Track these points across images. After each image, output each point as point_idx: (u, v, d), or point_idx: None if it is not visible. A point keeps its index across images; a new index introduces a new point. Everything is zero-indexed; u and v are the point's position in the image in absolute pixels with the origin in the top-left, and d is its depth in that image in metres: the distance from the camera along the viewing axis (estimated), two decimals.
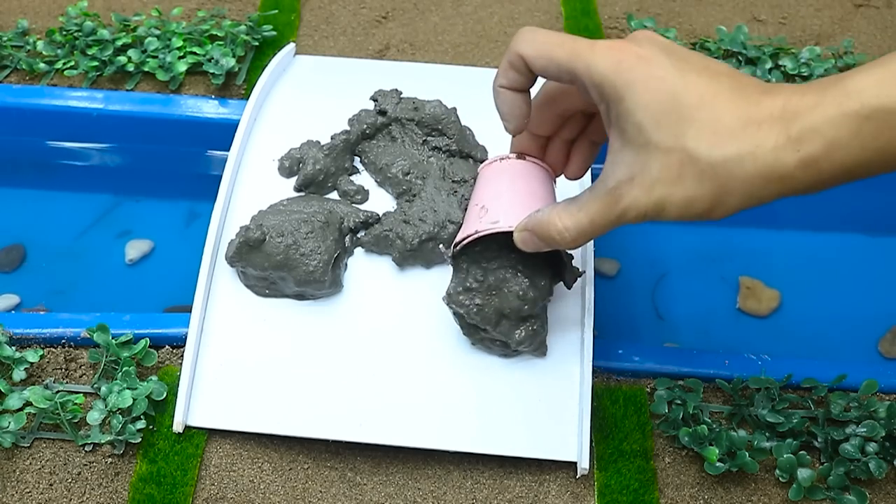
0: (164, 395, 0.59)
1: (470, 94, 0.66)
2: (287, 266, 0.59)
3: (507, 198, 0.51)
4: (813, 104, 0.36)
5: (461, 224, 0.61)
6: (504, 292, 0.55)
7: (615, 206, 0.41)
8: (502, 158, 0.53)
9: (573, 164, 0.53)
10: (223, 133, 0.72)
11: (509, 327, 0.56)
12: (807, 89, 0.37)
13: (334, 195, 0.66)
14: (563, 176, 0.54)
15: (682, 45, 0.41)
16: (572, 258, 0.55)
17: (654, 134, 0.39)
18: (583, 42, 0.41)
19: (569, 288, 0.57)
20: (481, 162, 0.67)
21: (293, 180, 0.66)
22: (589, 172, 0.61)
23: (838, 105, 0.36)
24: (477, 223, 0.51)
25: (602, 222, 0.42)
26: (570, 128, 0.52)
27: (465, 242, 0.52)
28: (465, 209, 0.62)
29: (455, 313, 0.58)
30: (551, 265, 0.56)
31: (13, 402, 0.58)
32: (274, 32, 0.87)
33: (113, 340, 0.61)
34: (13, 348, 0.61)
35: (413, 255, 0.61)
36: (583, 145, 0.52)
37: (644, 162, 0.39)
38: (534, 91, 0.48)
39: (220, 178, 0.65)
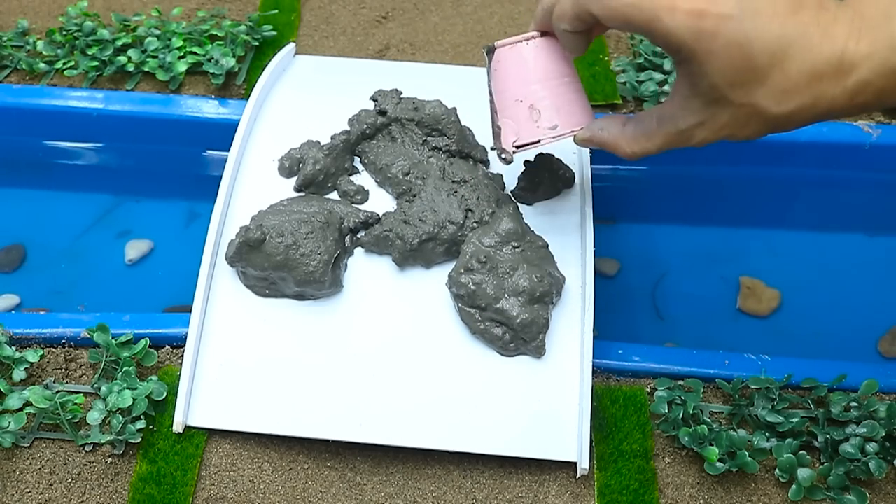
0: (164, 395, 0.59)
1: (470, 94, 0.66)
2: (287, 266, 0.59)
3: (553, 94, 0.52)
4: (866, 54, 0.40)
5: (461, 224, 0.61)
6: (509, 272, 0.57)
7: (685, 142, 0.47)
8: (526, 40, 0.52)
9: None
10: (223, 133, 0.72)
11: (511, 305, 0.57)
12: (861, 34, 0.40)
13: (334, 195, 0.66)
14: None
15: None
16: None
17: (728, 93, 0.42)
18: (662, 4, 0.42)
19: (560, 190, 0.62)
20: (482, 162, 0.67)
21: (293, 180, 0.66)
22: None
23: (887, 60, 0.40)
24: (533, 127, 0.52)
25: (666, 149, 0.48)
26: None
27: (527, 148, 0.53)
28: (466, 209, 0.62)
29: (455, 296, 0.59)
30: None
31: (13, 402, 0.58)
32: (274, 32, 0.87)
33: (113, 340, 0.61)
34: (13, 348, 0.61)
35: (413, 255, 0.61)
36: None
37: (714, 112, 0.44)
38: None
39: (220, 178, 0.65)
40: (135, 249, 0.80)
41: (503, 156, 0.54)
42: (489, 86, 0.55)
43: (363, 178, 0.67)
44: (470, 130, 0.68)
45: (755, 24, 0.41)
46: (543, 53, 0.52)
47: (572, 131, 0.52)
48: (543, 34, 0.52)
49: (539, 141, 0.52)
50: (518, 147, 0.53)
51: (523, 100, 0.52)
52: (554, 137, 0.52)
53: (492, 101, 0.54)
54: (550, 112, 0.51)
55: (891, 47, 0.40)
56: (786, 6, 0.41)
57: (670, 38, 0.42)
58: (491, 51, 0.53)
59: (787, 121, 0.43)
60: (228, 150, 0.67)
